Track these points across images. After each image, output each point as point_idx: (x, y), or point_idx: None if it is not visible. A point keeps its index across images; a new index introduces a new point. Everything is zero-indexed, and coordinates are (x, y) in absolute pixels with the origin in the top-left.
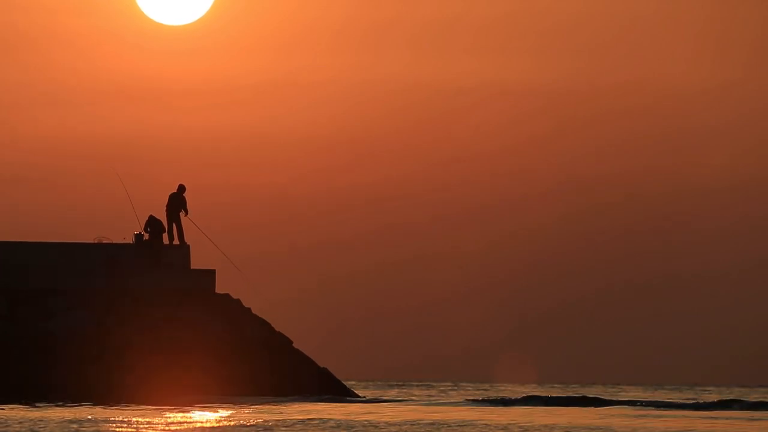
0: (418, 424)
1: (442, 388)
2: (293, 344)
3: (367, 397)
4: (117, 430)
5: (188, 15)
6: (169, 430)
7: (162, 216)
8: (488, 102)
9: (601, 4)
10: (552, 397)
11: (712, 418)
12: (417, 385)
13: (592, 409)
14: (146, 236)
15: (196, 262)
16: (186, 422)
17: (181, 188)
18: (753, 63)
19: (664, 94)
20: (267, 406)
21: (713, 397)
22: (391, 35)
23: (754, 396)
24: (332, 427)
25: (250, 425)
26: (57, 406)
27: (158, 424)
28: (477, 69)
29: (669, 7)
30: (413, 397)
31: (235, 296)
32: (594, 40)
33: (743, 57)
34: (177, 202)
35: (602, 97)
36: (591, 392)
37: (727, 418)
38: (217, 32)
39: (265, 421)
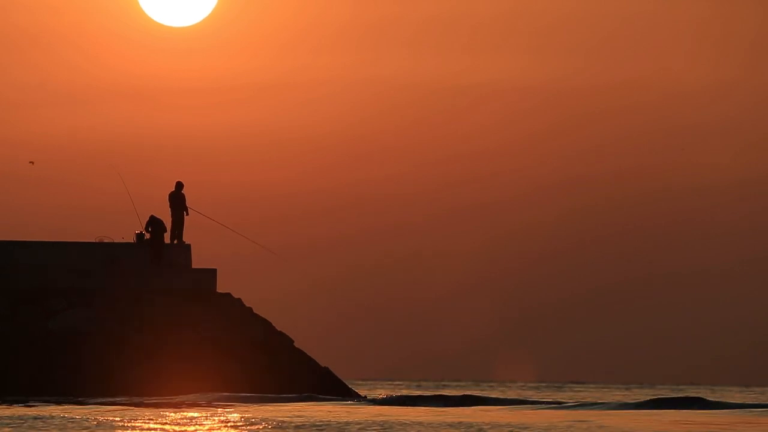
0: None
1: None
2: (294, 344)
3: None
4: (117, 429)
5: (190, 16)
6: (169, 430)
7: (163, 215)
8: (487, 100)
9: (600, 3)
10: None
11: None
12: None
13: None
14: (147, 235)
15: (198, 261)
16: (187, 422)
17: (179, 185)
18: (752, 61)
19: (663, 92)
20: (267, 406)
21: None
22: (390, 34)
23: None
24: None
25: (251, 425)
26: (57, 405)
27: (159, 423)
28: (476, 67)
29: (668, 5)
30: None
31: (236, 296)
32: (593, 38)
33: (743, 55)
34: (177, 201)
35: (601, 95)
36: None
37: None
38: (217, 32)
39: (265, 421)
